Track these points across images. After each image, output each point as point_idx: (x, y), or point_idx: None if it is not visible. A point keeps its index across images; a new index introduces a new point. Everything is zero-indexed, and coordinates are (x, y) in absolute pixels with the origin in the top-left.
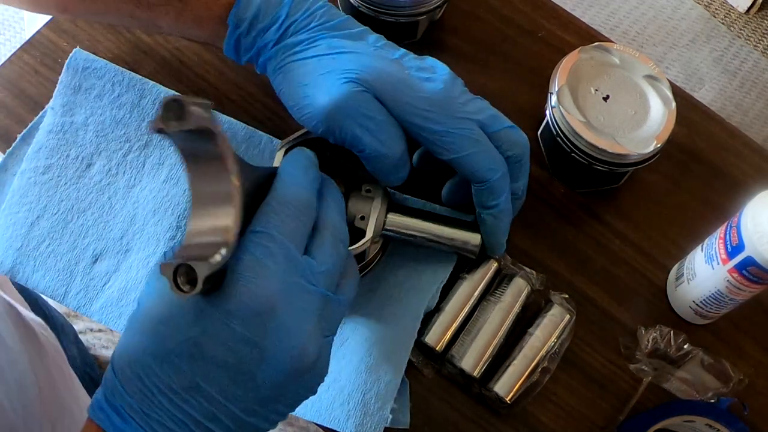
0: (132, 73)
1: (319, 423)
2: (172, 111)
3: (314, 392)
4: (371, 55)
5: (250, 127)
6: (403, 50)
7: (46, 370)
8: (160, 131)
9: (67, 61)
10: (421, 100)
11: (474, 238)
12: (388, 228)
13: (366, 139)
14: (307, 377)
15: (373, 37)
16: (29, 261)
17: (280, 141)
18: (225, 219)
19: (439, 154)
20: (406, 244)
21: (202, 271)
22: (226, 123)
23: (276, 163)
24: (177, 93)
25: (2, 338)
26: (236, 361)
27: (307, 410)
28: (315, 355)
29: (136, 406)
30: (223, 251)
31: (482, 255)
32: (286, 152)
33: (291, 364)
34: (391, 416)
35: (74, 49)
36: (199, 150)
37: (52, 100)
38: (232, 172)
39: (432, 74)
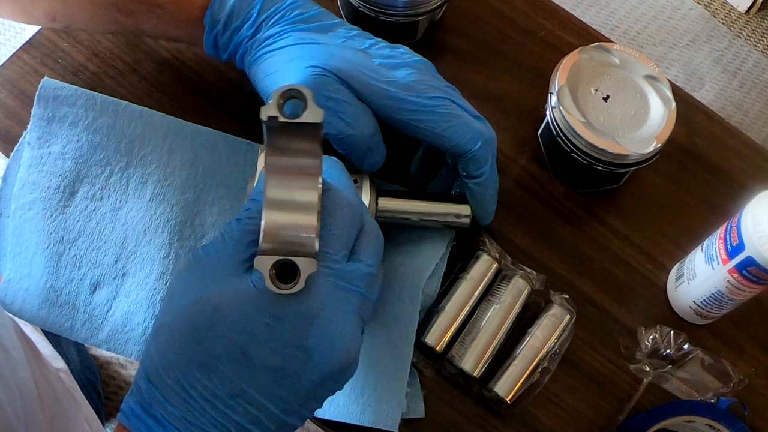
0: (103, 95)
1: (339, 420)
2: (287, 101)
3: (341, 388)
4: (338, 45)
5: (229, 135)
6: (375, 40)
7: (47, 382)
8: (270, 119)
9: (37, 93)
10: (390, 84)
11: (464, 209)
12: (382, 213)
13: (331, 121)
14: (346, 373)
15: (344, 29)
16: (34, 299)
17: (260, 145)
18: (307, 218)
19: (416, 132)
20: (399, 228)
21: (307, 268)
22: (204, 133)
23: (259, 167)
24: (152, 110)
25: (3, 345)
26: (283, 364)
27: (326, 410)
28: (357, 352)
29: (177, 414)
30: (314, 249)
31: (473, 227)
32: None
33: (336, 364)
34: (406, 401)
35: (42, 79)
36: (290, 144)
37: (27, 135)
38: (319, 172)
39: (402, 61)
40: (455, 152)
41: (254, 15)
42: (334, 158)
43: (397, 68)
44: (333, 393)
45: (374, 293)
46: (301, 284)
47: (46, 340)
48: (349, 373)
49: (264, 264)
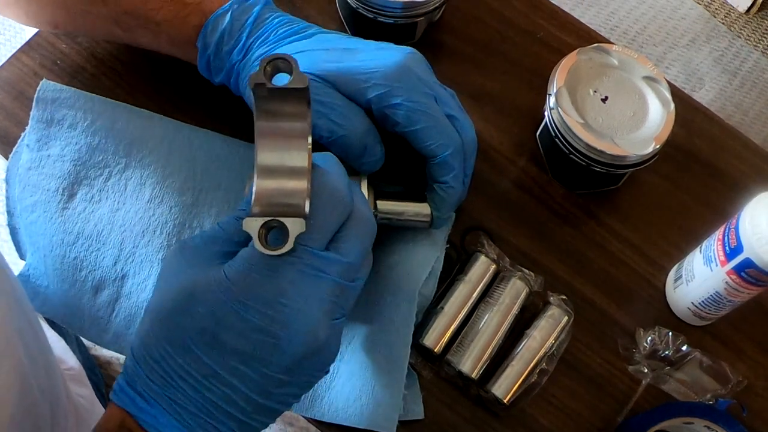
0: (102, 97)
1: (338, 423)
2: (274, 69)
3: (326, 372)
4: (322, 49)
5: (227, 137)
6: (359, 40)
7: (69, 376)
8: (257, 86)
9: (36, 95)
10: (375, 75)
11: (424, 208)
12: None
13: (321, 123)
14: (317, 358)
15: (329, 35)
16: (54, 298)
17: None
18: (297, 178)
19: (392, 126)
20: (396, 229)
21: (296, 229)
22: (202, 135)
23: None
24: (150, 112)
25: (33, 326)
26: (251, 349)
27: (324, 412)
28: (324, 338)
29: (159, 391)
30: (305, 211)
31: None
32: None
33: (302, 349)
34: (403, 403)
35: (41, 81)
36: (278, 109)
37: (26, 137)
38: (308, 134)
39: (387, 54)
40: (424, 153)
41: (243, 38)
42: (329, 153)
43: (387, 58)
44: (315, 378)
45: (357, 281)
46: (290, 244)
47: (62, 339)
48: (323, 358)
49: (253, 225)
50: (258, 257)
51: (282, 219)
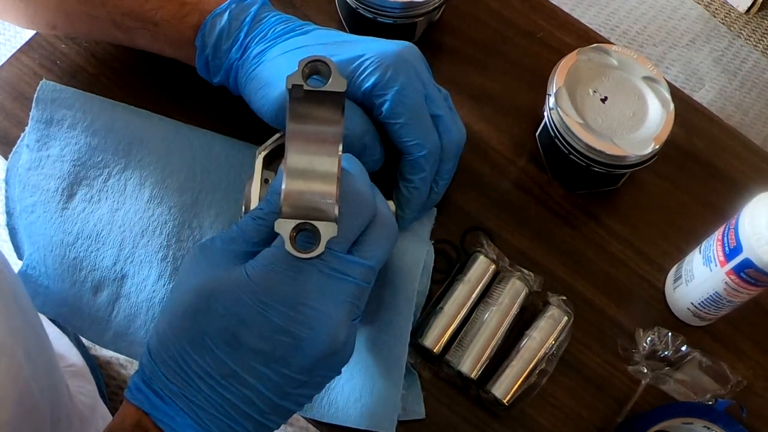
0: (102, 97)
1: (337, 423)
2: (313, 71)
3: (339, 373)
4: (319, 44)
5: (227, 137)
6: (360, 36)
7: (71, 372)
8: (294, 87)
9: (35, 95)
10: (369, 61)
11: (390, 205)
12: None
13: None
14: (335, 359)
15: (326, 31)
16: (53, 298)
17: (258, 147)
18: (327, 183)
19: (376, 115)
20: None
21: (327, 233)
22: (202, 135)
23: (257, 169)
24: (150, 112)
25: (33, 325)
26: (272, 349)
27: (324, 413)
28: (344, 340)
29: (176, 390)
30: (334, 215)
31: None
32: (265, 158)
33: (322, 350)
34: (404, 403)
35: (41, 82)
36: (313, 112)
37: (26, 137)
38: (340, 140)
39: (389, 43)
40: (399, 148)
41: (242, 37)
42: (350, 154)
43: (377, 51)
44: (329, 378)
45: (371, 282)
46: (321, 248)
47: (65, 336)
48: (340, 359)
49: (284, 227)
50: (282, 258)
51: (314, 222)
